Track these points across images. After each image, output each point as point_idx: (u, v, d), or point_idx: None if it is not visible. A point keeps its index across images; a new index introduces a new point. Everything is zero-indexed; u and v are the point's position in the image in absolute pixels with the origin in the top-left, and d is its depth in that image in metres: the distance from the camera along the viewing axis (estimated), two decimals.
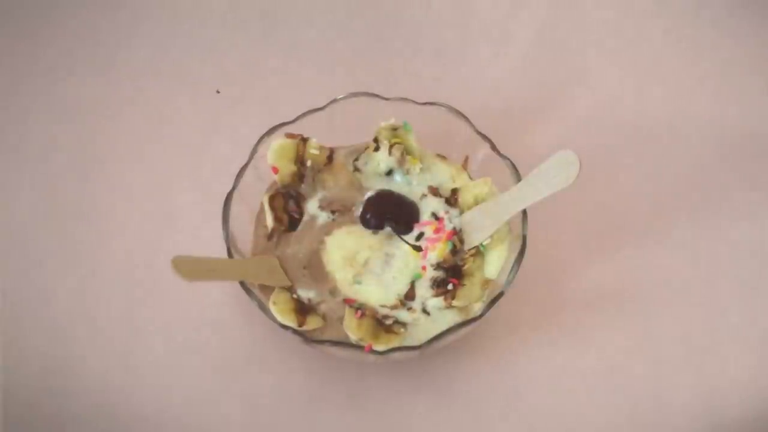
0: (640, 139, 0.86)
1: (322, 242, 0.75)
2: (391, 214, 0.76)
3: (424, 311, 0.73)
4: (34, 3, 0.92)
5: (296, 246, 0.76)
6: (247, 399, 0.73)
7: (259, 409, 0.73)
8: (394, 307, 0.73)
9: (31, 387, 0.72)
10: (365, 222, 0.76)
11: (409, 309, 0.73)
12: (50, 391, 0.72)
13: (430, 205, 0.77)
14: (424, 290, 0.73)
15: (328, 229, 0.76)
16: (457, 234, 0.75)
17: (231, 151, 0.78)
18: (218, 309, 0.75)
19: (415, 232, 0.75)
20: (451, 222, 0.75)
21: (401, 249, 0.75)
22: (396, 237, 0.75)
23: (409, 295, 0.73)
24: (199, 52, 0.91)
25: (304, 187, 0.77)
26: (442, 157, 0.80)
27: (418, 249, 0.74)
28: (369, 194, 0.77)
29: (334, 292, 0.74)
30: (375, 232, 0.76)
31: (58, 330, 0.75)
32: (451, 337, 0.69)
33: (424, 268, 0.74)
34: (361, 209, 0.77)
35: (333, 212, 0.76)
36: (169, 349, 0.75)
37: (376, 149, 0.77)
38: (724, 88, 0.89)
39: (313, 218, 0.77)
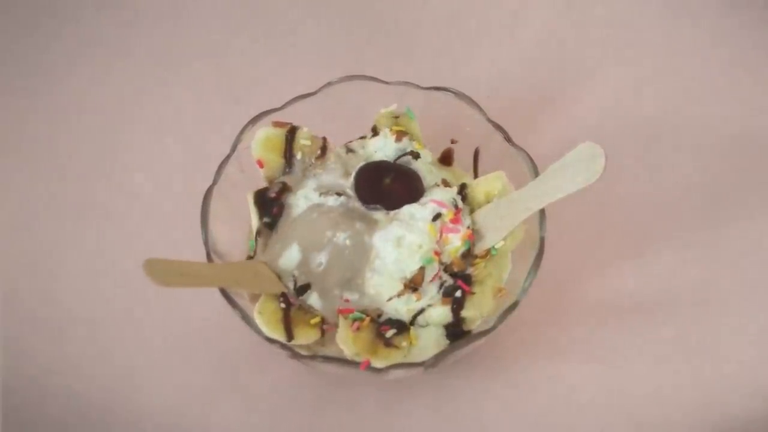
0: (644, 138, 0.85)
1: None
2: (390, 179, 0.72)
3: (413, 322, 0.70)
4: (34, 3, 0.94)
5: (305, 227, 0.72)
6: (247, 401, 0.73)
7: (258, 413, 0.73)
8: (400, 294, 0.69)
9: (31, 387, 0.73)
10: (359, 192, 0.72)
11: (415, 290, 0.69)
12: (50, 391, 0.73)
13: (446, 194, 0.72)
14: (433, 290, 0.69)
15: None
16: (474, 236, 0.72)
17: (212, 142, 0.76)
18: (218, 309, 0.72)
19: (430, 207, 0.71)
20: (465, 217, 0.72)
21: (415, 230, 0.70)
22: (411, 216, 0.70)
23: (417, 281, 0.69)
24: (184, 34, 0.92)
25: (291, 179, 0.74)
26: (446, 163, 0.78)
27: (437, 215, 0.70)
28: (361, 164, 0.74)
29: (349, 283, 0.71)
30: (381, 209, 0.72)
31: (58, 330, 0.76)
32: (460, 352, 0.67)
33: (437, 253, 0.70)
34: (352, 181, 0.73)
35: (339, 195, 0.72)
36: (169, 350, 0.76)
37: (374, 136, 0.76)
38: (739, 87, 0.89)
39: (320, 205, 0.72)
